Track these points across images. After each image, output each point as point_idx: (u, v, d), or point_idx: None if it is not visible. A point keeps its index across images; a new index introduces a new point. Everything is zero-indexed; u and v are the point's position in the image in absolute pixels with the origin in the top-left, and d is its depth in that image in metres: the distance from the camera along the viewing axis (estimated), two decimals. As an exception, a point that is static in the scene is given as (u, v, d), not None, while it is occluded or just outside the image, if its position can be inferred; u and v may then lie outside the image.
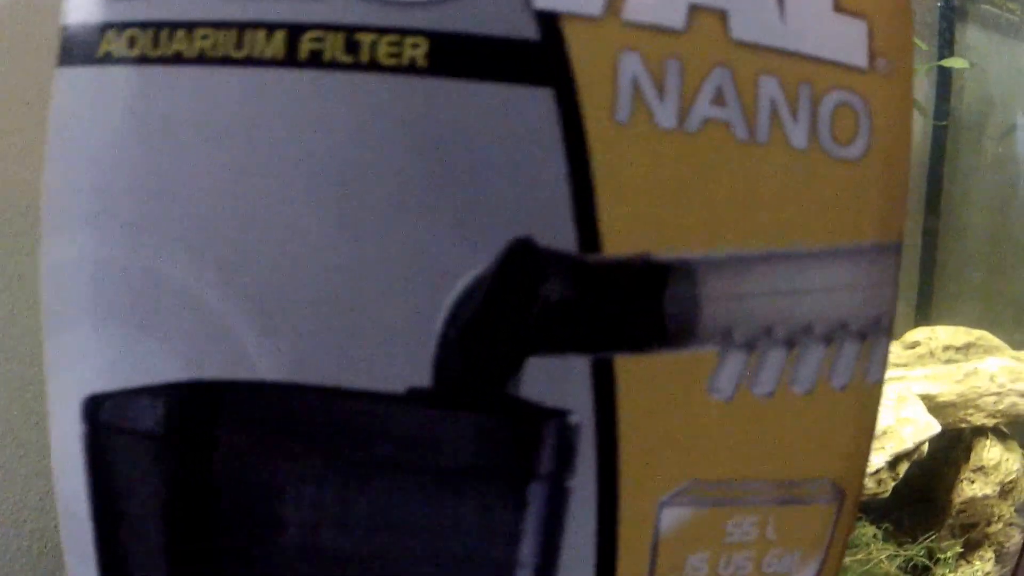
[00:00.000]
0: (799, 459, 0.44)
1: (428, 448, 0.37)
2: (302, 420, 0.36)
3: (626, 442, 0.40)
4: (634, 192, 0.38)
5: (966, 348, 2.24)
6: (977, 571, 2.10)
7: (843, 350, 0.43)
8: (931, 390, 2.02)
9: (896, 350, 2.19)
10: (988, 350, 2.25)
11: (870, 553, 1.71)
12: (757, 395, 0.42)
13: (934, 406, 1.98)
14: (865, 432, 0.46)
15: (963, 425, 2.07)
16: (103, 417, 0.38)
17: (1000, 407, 2.09)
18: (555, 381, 0.39)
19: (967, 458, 2.09)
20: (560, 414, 0.39)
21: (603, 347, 0.39)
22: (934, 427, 1.89)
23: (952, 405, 2.04)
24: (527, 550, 0.40)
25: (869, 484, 1.80)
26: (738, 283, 0.40)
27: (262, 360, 0.35)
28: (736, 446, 0.42)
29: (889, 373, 2.04)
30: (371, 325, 0.36)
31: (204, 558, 0.37)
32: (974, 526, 2.13)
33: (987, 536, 2.17)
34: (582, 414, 0.39)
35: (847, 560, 1.67)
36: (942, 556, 1.89)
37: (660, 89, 0.37)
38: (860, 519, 1.80)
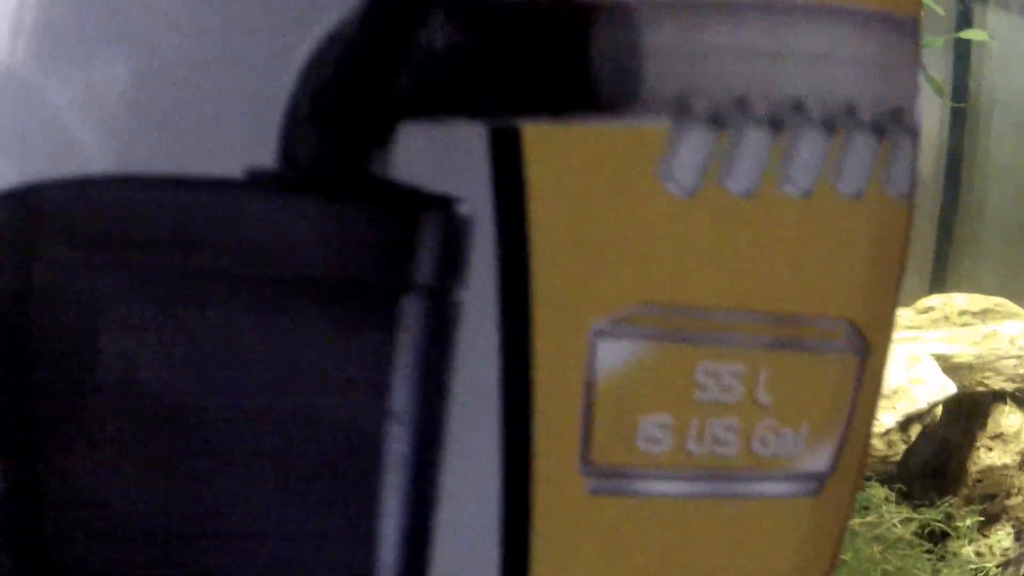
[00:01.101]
0: (800, 285, 0.31)
1: (271, 250, 0.29)
2: (127, 218, 0.30)
3: (540, 240, 0.27)
4: None
5: (983, 314, 2.12)
6: (994, 545, 1.98)
7: (853, 144, 0.30)
8: (946, 351, 1.89)
9: (908, 315, 2.07)
10: (1007, 316, 2.13)
11: (881, 516, 1.57)
12: (732, 192, 0.29)
13: (949, 367, 1.86)
14: (889, 268, 0.33)
15: (980, 389, 1.94)
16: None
17: (1021, 371, 1.98)
18: (439, 159, 0.29)
19: (984, 424, 1.97)
20: (443, 202, 0.27)
21: (505, 110, 0.29)
22: (949, 388, 1.77)
23: (969, 367, 1.92)
24: (403, 392, 0.28)
25: (879, 445, 1.67)
26: (695, 31, 0.29)
27: (91, 149, 0.30)
28: (705, 258, 0.29)
29: (900, 335, 1.92)
30: (208, 95, 0.29)
31: (15, 392, 0.31)
32: (992, 497, 2.00)
33: (1005, 509, 2.05)
34: (476, 203, 0.27)
35: (855, 522, 1.54)
36: (960, 524, 1.76)
37: None
38: (869, 478, 1.67)
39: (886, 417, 1.67)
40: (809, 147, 0.30)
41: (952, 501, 1.76)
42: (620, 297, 0.28)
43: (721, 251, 0.29)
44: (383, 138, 0.28)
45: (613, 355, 0.28)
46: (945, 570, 1.63)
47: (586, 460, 0.29)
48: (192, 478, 0.30)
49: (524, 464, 0.29)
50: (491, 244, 0.28)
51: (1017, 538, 2.08)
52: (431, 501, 0.29)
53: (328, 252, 0.29)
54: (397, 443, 0.29)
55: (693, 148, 0.29)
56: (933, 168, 2.67)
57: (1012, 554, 2.06)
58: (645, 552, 0.31)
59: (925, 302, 2.11)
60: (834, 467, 0.33)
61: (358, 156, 0.28)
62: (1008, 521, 2.07)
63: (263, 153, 0.29)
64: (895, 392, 1.71)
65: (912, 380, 1.74)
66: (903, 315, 2.01)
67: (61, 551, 0.30)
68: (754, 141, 0.30)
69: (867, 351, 0.32)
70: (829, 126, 0.31)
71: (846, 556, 1.46)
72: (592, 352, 0.28)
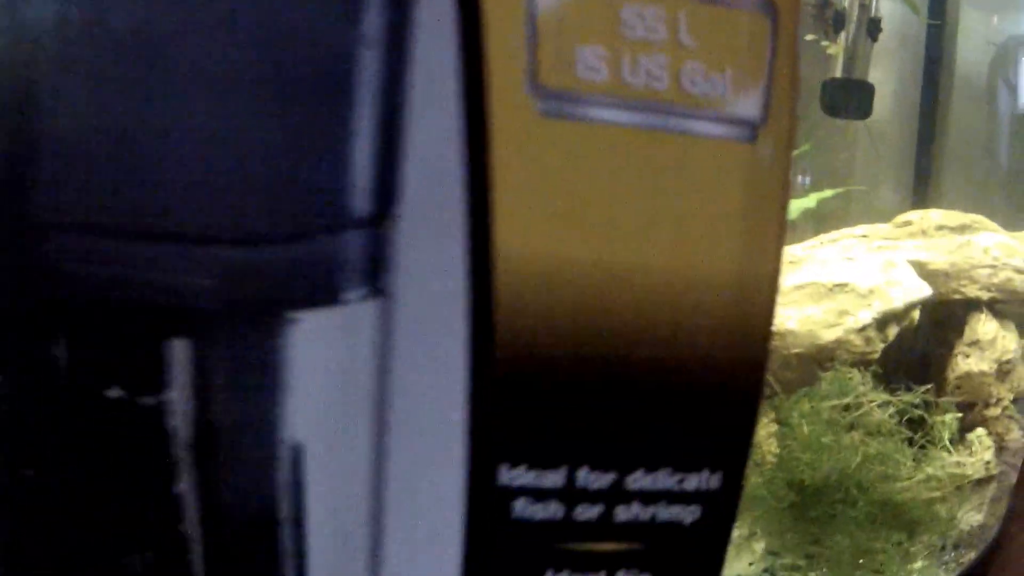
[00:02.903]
0: None
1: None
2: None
3: None
4: None
5: (960, 228, 2.16)
6: (976, 453, 2.03)
7: None
8: (922, 257, 1.94)
9: (885, 228, 2.11)
10: (983, 230, 2.17)
11: (858, 398, 1.62)
12: None
13: (925, 273, 1.90)
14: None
15: (956, 296, 1.99)
16: None
17: (995, 280, 2.01)
18: None
19: (961, 332, 2.01)
20: None
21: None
22: (925, 290, 1.81)
23: (944, 274, 1.97)
24: (374, 15, 0.31)
25: (856, 341, 1.72)
26: None
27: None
28: None
29: (876, 244, 1.96)
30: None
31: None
32: (971, 406, 2.05)
33: (985, 420, 2.10)
34: None
35: (831, 406, 1.59)
36: (940, 419, 1.80)
37: None
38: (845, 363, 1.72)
39: (863, 313, 1.71)
40: None
41: (929, 388, 1.80)
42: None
43: None
44: None
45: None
46: (925, 459, 1.68)
47: (535, 83, 0.34)
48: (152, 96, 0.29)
49: (478, 86, 0.34)
50: None
51: (998, 453, 2.12)
52: (399, 130, 0.34)
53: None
54: (368, 70, 0.33)
55: None
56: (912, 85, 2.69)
57: (994, 469, 2.11)
58: (594, 178, 0.36)
59: (903, 217, 2.16)
60: (764, 117, 0.38)
61: None
62: (989, 435, 2.11)
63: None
64: (871, 291, 1.75)
65: (888, 282, 1.78)
66: (880, 229, 2.06)
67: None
68: None
69: (776, 14, 0.37)
70: None
71: (826, 439, 1.51)
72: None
